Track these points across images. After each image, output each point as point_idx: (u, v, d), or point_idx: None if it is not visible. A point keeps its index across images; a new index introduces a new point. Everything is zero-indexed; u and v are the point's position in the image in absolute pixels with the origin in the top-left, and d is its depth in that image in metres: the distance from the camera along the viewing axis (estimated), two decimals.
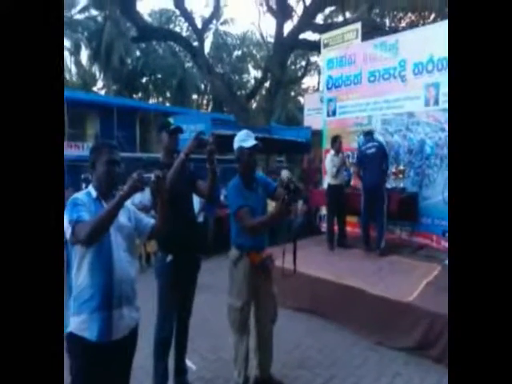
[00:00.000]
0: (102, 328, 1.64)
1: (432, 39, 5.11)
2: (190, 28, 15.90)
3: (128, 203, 1.78)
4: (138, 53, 26.17)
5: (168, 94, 28.48)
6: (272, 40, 14.90)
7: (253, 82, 26.89)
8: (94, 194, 1.74)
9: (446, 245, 4.84)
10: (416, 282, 3.78)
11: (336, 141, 5.42)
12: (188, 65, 26.98)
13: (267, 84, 14.48)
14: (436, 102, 5.19)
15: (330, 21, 14.35)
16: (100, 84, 27.34)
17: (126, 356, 1.80)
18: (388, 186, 5.18)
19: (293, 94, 29.00)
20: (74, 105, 17.14)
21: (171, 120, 2.63)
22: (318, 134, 8.35)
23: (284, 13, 12.55)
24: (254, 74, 30.02)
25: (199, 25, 15.04)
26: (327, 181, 5.47)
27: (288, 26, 12.84)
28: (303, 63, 22.34)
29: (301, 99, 26.55)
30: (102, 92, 26.18)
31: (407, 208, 5.21)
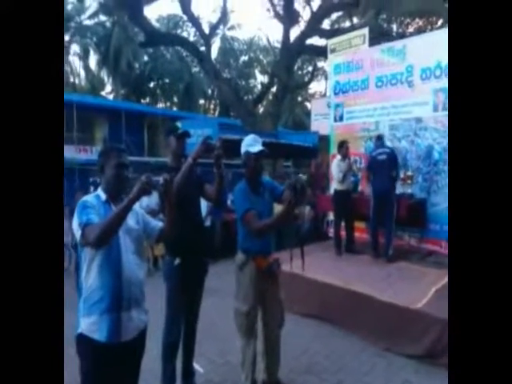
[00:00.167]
0: (111, 329, 1.65)
1: (440, 45, 5.08)
2: (198, 33, 16.03)
3: (136, 206, 1.79)
4: (145, 58, 26.45)
5: (175, 99, 28.69)
6: (279, 45, 14.98)
7: (259, 87, 27.02)
8: (103, 197, 1.75)
9: None
10: (425, 288, 3.74)
11: (343, 146, 5.41)
12: (195, 70, 27.18)
13: (274, 89, 14.52)
14: (444, 108, 5.16)
15: (336, 26, 14.39)
16: (108, 88, 27.65)
17: (135, 358, 1.81)
18: (396, 191, 5.14)
19: (300, 99, 29.06)
20: (82, 109, 17.37)
21: (179, 124, 2.66)
22: (325, 139, 8.34)
23: (291, 18, 12.61)
24: (260, 79, 30.17)
25: (206, 30, 15.18)
26: (334, 186, 5.46)
27: (295, 32, 12.92)
28: (310, 68, 22.40)
29: (308, 104, 26.61)
30: (111, 96, 26.45)
31: (415, 214, 5.17)
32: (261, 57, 29.96)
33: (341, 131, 6.54)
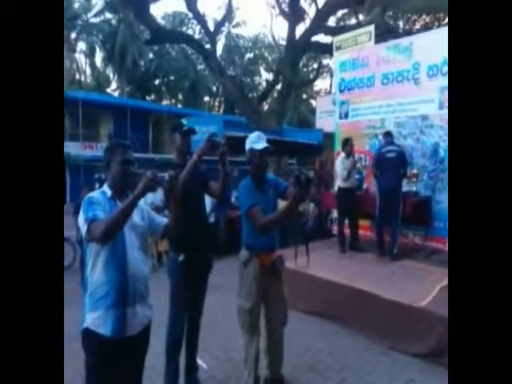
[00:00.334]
0: (116, 324, 1.67)
1: (447, 41, 5.05)
2: (203, 30, 16.03)
3: (142, 203, 1.80)
4: (151, 55, 26.50)
5: (180, 96, 28.74)
6: (284, 42, 14.92)
7: (264, 84, 26.97)
8: (108, 193, 1.76)
9: None
10: (429, 287, 3.72)
11: (347, 143, 5.38)
12: (200, 67, 27.20)
13: (279, 86, 14.51)
14: None
15: (342, 23, 14.32)
16: (114, 86, 27.76)
17: (139, 353, 1.82)
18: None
19: (305, 96, 28.98)
20: (88, 106, 17.45)
21: (184, 121, 2.66)
22: (329, 137, 8.32)
23: (296, 15, 12.56)
24: (265, 76, 30.13)
25: (212, 27, 15.18)
26: (338, 184, 5.44)
27: (300, 29, 12.87)
28: (315, 66, 22.32)
29: (313, 102, 26.51)
30: (116, 93, 26.54)
31: (420, 212, 5.15)
32: (266, 54, 29.90)
33: (346, 129, 6.52)
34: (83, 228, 1.63)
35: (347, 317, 3.74)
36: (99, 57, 25.92)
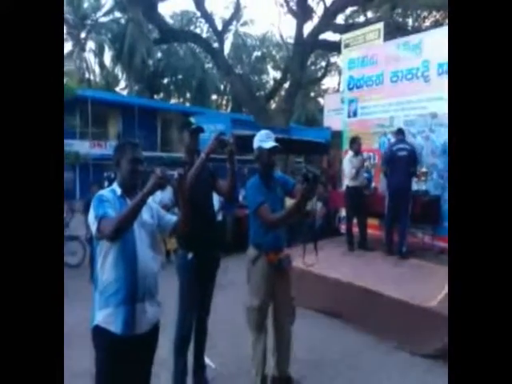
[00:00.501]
0: (126, 321, 1.68)
1: None
2: (211, 29, 16.06)
3: (151, 201, 1.82)
4: (159, 54, 26.60)
5: (188, 95, 28.83)
6: (292, 41, 14.87)
7: (272, 82, 26.90)
8: (118, 191, 1.78)
9: None
10: (438, 286, 3.69)
11: (355, 142, 5.36)
12: (208, 66, 27.23)
13: (287, 85, 14.46)
14: None
15: (351, 21, 14.20)
16: (122, 84, 27.92)
17: (149, 350, 1.84)
18: None
19: (312, 94, 28.86)
20: (97, 105, 17.59)
21: (192, 120, 2.67)
22: (337, 135, 8.28)
23: (304, 13, 12.49)
24: (273, 74, 30.06)
25: (219, 26, 15.18)
26: (346, 182, 5.42)
27: (308, 27, 12.79)
28: (323, 64, 22.17)
29: (320, 100, 26.39)
30: (125, 92, 26.72)
31: (430, 211, 5.10)
32: (273, 52, 29.81)
33: (354, 127, 6.48)
34: (93, 226, 1.65)
35: (355, 316, 3.73)
36: (108, 56, 26.09)
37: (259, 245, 2.48)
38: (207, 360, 2.81)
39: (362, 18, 14.04)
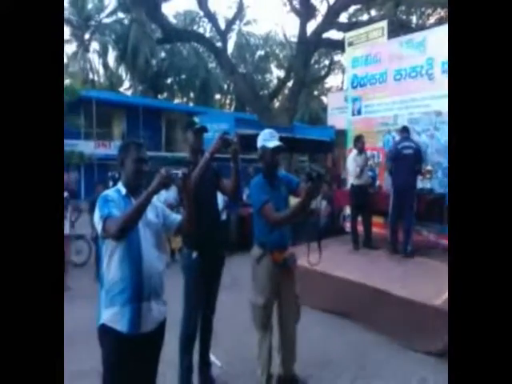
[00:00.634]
0: (132, 320, 1.69)
1: None
2: (214, 29, 16.07)
3: (156, 201, 1.83)
4: (163, 54, 26.66)
5: (192, 94, 28.89)
6: (295, 39, 14.84)
7: (276, 81, 26.89)
8: (123, 191, 1.79)
9: None
10: (443, 285, 3.65)
11: (359, 140, 5.34)
12: (211, 65, 27.27)
13: (290, 83, 14.44)
14: None
15: (354, 19, 14.15)
16: (126, 85, 28.04)
17: (155, 348, 1.85)
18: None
19: (316, 93, 28.81)
20: (101, 105, 17.68)
21: (197, 119, 2.67)
22: (341, 134, 8.27)
23: (307, 12, 12.47)
24: (276, 73, 30.04)
25: (223, 25, 15.18)
26: (350, 181, 5.41)
27: (311, 25, 12.77)
28: (327, 62, 22.13)
29: (324, 98, 26.34)
30: (129, 92, 26.82)
31: (435, 209, 5.08)
32: (277, 51, 29.79)
33: (358, 125, 6.46)
34: (98, 225, 1.66)
35: (360, 314, 3.72)
36: (112, 56, 26.23)
37: (264, 244, 2.48)
38: (213, 358, 2.82)
39: (365, 16, 14.00)
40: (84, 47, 24.98)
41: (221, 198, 4.90)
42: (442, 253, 4.98)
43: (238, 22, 24.89)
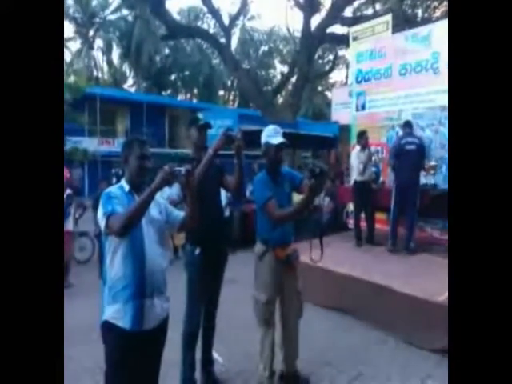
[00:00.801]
0: (135, 317, 1.70)
1: None
2: (218, 25, 16.01)
3: (159, 197, 1.83)
4: (166, 50, 26.63)
5: (196, 91, 28.87)
6: (299, 34, 14.74)
7: (279, 77, 26.78)
8: (126, 187, 1.79)
9: None
10: (447, 281, 3.66)
11: (362, 136, 5.30)
12: (215, 61, 27.20)
13: (294, 79, 14.37)
14: None
15: (359, 13, 14.03)
16: (130, 81, 28.06)
17: (158, 345, 1.85)
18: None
19: (320, 88, 28.66)
20: (105, 102, 17.72)
21: (200, 116, 2.67)
22: (345, 129, 8.22)
23: (311, 6, 12.37)
24: (280, 68, 29.94)
25: (226, 21, 15.11)
26: (353, 177, 5.38)
27: (315, 20, 12.68)
28: (331, 57, 22.00)
29: (328, 94, 26.21)
30: (133, 89, 26.84)
31: (438, 205, 5.04)
32: (281, 47, 29.66)
33: (363, 120, 6.43)
34: (102, 222, 1.66)
35: (363, 311, 3.72)
36: (116, 53, 26.24)
37: (266, 240, 2.48)
38: (215, 355, 2.83)
39: (370, 11, 13.87)
40: (88, 44, 25.00)
41: (224, 195, 4.90)
42: (446, 249, 4.96)
43: (241, 18, 24.77)
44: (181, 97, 28.92)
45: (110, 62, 26.21)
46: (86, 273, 5.58)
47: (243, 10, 18.96)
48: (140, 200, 1.62)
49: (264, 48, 29.74)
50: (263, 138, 2.50)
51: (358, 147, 5.34)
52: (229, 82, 28.95)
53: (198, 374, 2.62)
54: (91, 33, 25.41)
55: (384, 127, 6.15)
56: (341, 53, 20.90)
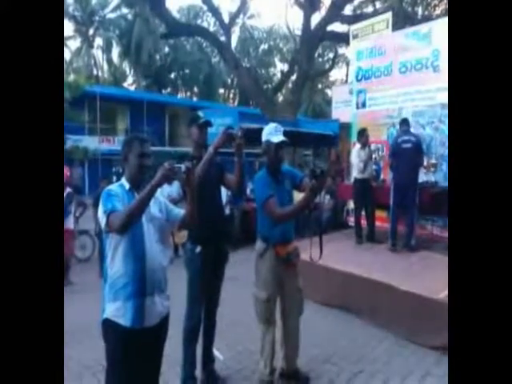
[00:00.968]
0: (135, 314, 1.70)
1: None
2: (217, 23, 15.97)
3: (159, 195, 1.83)
4: (166, 49, 26.59)
5: (196, 89, 28.85)
6: (299, 33, 14.70)
7: (279, 75, 26.77)
8: (126, 185, 1.80)
9: None
10: (447, 278, 3.66)
11: (362, 134, 5.30)
12: (215, 60, 27.17)
13: (294, 77, 14.34)
14: None
15: (359, 11, 13.99)
16: (130, 80, 28.04)
17: (158, 343, 1.86)
18: (419, 179, 5.02)
19: (320, 86, 28.64)
20: (105, 100, 17.69)
21: (201, 114, 2.67)
22: (346, 127, 8.22)
23: (312, 5, 12.33)
24: (280, 67, 29.91)
25: (226, 20, 15.07)
26: (354, 175, 5.38)
27: (316, 18, 12.64)
28: (331, 55, 21.98)
29: (328, 92, 26.18)
30: (133, 87, 26.82)
31: (439, 203, 5.04)
32: (281, 45, 29.62)
33: (363, 118, 6.42)
34: (102, 220, 1.66)
35: (364, 308, 3.72)
36: (116, 52, 26.20)
37: (267, 238, 2.49)
38: (216, 352, 2.84)
39: (370, 8, 13.83)
40: (88, 43, 24.97)
41: (224, 193, 4.91)
42: (446, 246, 4.96)
43: (241, 16, 24.74)
44: (181, 95, 28.89)
45: (109, 61, 26.19)
46: (87, 271, 5.60)
47: (243, 8, 18.91)
48: (140, 197, 1.62)
49: (264, 46, 29.70)
50: (264, 136, 2.50)
51: (358, 145, 5.34)
52: (229, 81, 28.92)
53: (198, 372, 2.62)
54: (91, 31, 25.37)
55: (384, 125, 6.15)
56: (341, 51, 20.91)
